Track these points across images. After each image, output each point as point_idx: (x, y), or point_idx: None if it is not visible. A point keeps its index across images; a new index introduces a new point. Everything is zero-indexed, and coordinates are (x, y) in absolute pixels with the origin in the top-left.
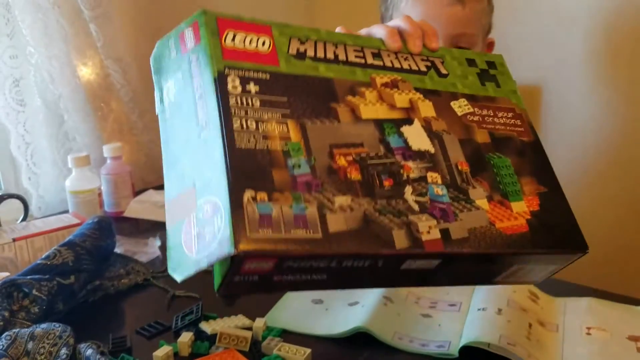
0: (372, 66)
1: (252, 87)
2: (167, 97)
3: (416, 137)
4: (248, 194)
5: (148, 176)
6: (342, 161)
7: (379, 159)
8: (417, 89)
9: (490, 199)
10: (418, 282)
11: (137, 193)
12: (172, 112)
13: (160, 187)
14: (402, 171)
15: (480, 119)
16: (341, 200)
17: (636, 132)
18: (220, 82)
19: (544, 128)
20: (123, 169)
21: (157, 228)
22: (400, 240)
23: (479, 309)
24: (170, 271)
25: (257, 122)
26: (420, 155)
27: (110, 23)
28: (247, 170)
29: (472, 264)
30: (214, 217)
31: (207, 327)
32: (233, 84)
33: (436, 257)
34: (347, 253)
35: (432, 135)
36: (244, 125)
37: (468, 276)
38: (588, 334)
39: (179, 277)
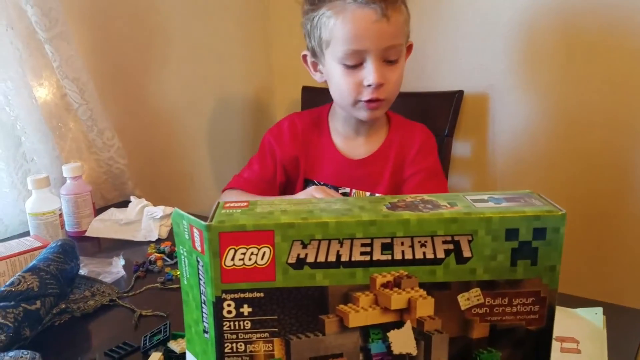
0: (377, 263)
1: (246, 310)
2: (185, 270)
3: (401, 340)
4: None
5: (109, 194)
6: None
7: None
8: (423, 284)
9: None
10: None
11: (98, 211)
12: (186, 290)
13: (121, 204)
14: None
15: (487, 311)
16: None
17: (573, 134)
18: (217, 307)
19: (491, 133)
20: (83, 189)
21: (120, 246)
22: None
23: None
24: None
25: (246, 344)
26: (400, 358)
27: (66, 43)
28: None
29: None
30: None
31: (175, 346)
32: (228, 308)
33: None
34: None
35: (421, 336)
36: (234, 349)
37: None
38: None
39: None
